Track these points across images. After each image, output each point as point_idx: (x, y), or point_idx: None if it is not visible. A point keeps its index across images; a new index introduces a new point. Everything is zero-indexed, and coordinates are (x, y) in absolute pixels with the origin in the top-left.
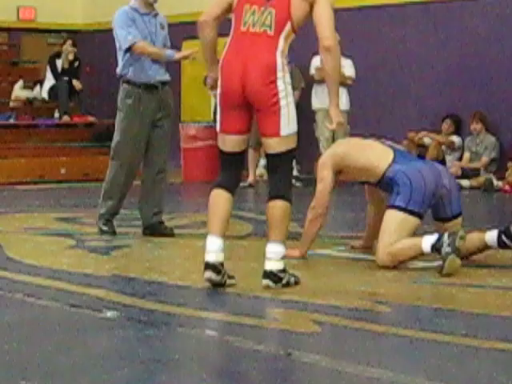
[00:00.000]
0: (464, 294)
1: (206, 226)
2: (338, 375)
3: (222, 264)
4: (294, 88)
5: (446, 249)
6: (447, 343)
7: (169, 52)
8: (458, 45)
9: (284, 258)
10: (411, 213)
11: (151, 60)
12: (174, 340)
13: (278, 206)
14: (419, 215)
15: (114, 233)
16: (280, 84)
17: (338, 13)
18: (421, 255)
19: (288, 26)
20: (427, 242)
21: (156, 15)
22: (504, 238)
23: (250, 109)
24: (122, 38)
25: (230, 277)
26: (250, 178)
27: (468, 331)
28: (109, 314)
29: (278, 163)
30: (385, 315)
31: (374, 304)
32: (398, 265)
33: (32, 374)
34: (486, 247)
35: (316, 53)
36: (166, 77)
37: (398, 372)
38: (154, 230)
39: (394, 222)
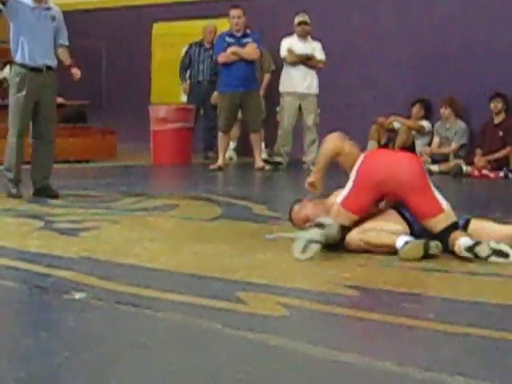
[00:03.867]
0: (431, 279)
1: (175, 209)
2: (305, 359)
3: None
4: (264, 71)
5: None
6: (415, 327)
7: None
8: (429, 29)
9: None
10: (405, 219)
11: (38, 46)
12: (141, 322)
13: None
14: (410, 225)
15: (21, 196)
16: None
17: None
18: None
19: None
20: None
21: (48, 9)
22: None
23: None
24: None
25: None
26: (220, 161)
27: (435, 316)
28: (77, 295)
29: None
30: (353, 299)
31: (343, 288)
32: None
33: None
34: None
35: (286, 35)
36: (52, 62)
37: (366, 356)
38: (42, 192)
39: (388, 216)
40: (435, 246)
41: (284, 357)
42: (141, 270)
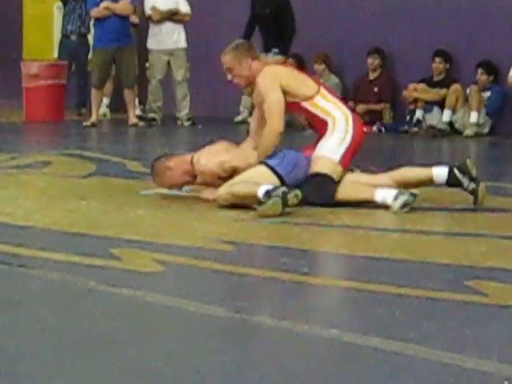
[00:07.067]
0: (307, 233)
1: (48, 166)
2: (181, 314)
3: None
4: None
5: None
6: (290, 281)
7: None
8: None
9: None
10: (276, 173)
11: None
12: (15, 281)
13: None
14: (281, 179)
15: None
16: None
17: None
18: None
19: None
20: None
21: None
22: (457, 172)
23: None
24: None
25: None
26: (93, 118)
27: (310, 269)
28: None
29: None
30: (230, 254)
31: (219, 243)
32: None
33: None
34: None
35: None
36: None
37: (243, 311)
38: None
39: (257, 171)
40: (294, 196)
41: (160, 312)
42: (14, 228)
